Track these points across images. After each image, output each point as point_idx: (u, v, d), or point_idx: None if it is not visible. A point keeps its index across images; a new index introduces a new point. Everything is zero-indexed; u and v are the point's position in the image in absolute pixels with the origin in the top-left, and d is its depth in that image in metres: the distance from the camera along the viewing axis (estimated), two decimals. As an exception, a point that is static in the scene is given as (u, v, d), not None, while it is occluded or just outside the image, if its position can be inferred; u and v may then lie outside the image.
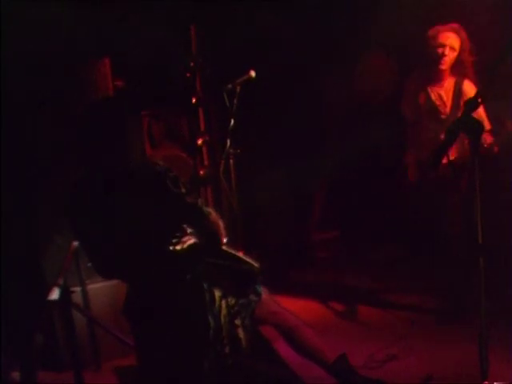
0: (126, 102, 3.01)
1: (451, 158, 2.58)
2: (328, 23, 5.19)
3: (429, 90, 4.01)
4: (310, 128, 5.56)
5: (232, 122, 3.94)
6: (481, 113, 3.70)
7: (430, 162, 3.58)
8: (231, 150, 4.02)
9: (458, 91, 3.90)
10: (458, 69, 3.93)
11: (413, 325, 4.08)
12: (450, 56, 3.86)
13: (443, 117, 3.97)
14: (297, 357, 3.20)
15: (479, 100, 2.33)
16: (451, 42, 3.85)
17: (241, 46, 4.87)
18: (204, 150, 4.73)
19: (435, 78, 4.00)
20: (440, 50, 3.85)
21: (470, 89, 3.86)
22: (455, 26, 3.90)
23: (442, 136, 3.66)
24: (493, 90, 3.19)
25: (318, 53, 5.29)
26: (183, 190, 2.61)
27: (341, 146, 5.21)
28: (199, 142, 4.63)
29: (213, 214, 2.74)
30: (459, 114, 3.49)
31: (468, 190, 3.62)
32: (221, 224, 2.78)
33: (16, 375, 3.67)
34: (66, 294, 3.34)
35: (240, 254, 2.94)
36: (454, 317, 4.06)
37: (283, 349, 3.34)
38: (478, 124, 2.34)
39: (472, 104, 2.34)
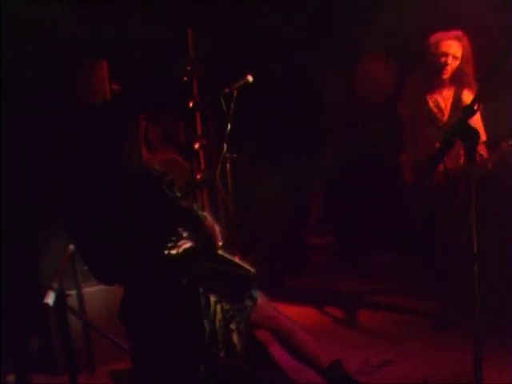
0: (123, 105, 3.01)
1: (446, 165, 2.57)
2: (328, 24, 5.21)
3: (427, 97, 3.98)
4: (308, 129, 5.58)
5: (229, 126, 3.94)
6: (478, 123, 3.68)
7: (425, 169, 3.61)
8: (228, 154, 4.03)
9: (457, 100, 3.87)
10: (459, 77, 3.89)
11: (409, 329, 4.08)
12: (452, 65, 3.81)
13: (441, 124, 3.94)
14: (292, 361, 3.19)
15: (476, 107, 2.33)
16: (454, 50, 3.79)
17: (239, 49, 4.88)
18: (201, 154, 4.74)
19: (435, 85, 3.96)
20: (443, 59, 3.81)
21: (469, 99, 3.75)
22: (458, 33, 3.85)
23: (438, 144, 3.53)
24: (491, 95, 3.20)
25: (318, 53, 5.30)
26: (178, 194, 2.61)
27: (340, 147, 5.23)
28: (196, 146, 4.64)
29: (208, 218, 2.74)
30: None
31: (464, 198, 3.61)
32: (216, 228, 2.78)
33: (11, 378, 3.66)
34: (61, 297, 3.33)
35: (236, 259, 2.94)
36: (451, 319, 4.05)
37: (278, 353, 3.34)
38: (475, 131, 2.34)
39: (469, 111, 2.34)
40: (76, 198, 2.72)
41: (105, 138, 2.63)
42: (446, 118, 3.94)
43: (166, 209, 2.62)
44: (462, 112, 2.41)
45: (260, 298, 2.97)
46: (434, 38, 3.86)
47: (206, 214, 2.75)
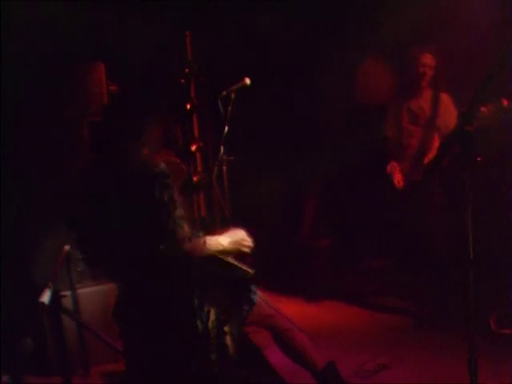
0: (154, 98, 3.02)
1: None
2: (328, 27, 5.26)
3: (410, 102, 4.56)
4: (305, 132, 5.60)
5: (226, 128, 3.95)
6: (454, 115, 4.32)
7: (426, 171, 4.23)
8: (225, 157, 4.03)
9: (435, 101, 4.47)
10: (435, 83, 4.51)
11: (404, 333, 4.11)
12: (429, 74, 4.46)
13: (423, 122, 4.51)
14: (287, 364, 3.20)
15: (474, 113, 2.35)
16: (430, 61, 4.44)
17: (237, 52, 4.90)
18: (198, 156, 4.72)
19: (416, 91, 4.55)
20: (421, 69, 4.45)
21: (446, 98, 4.47)
22: (433, 47, 4.47)
23: (424, 140, 4.45)
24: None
25: (317, 57, 5.34)
26: (165, 199, 2.53)
27: (338, 151, 5.29)
28: (193, 148, 4.62)
29: (188, 243, 2.58)
30: (437, 120, 4.33)
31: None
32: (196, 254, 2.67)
33: (4, 378, 3.66)
34: (56, 297, 3.33)
35: (234, 261, 2.92)
36: (441, 320, 4.23)
37: (273, 356, 3.34)
38: (472, 137, 2.36)
39: (467, 117, 2.36)
40: (81, 184, 2.74)
41: (128, 124, 2.69)
42: (427, 115, 4.49)
43: (151, 208, 2.56)
44: (459, 118, 2.44)
45: (259, 296, 2.96)
46: (413, 53, 4.50)
47: (191, 237, 2.60)
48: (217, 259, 2.80)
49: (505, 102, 3.00)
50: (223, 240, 2.82)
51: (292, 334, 3.06)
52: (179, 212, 2.58)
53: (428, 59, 4.44)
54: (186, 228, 2.58)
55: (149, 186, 2.53)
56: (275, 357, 3.29)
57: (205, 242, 2.68)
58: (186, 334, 2.67)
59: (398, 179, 4.51)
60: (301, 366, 3.11)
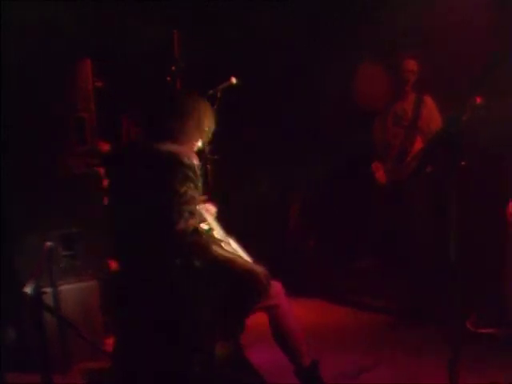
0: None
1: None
2: (328, 29, 5.30)
3: (396, 105, 4.74)
4: (297, 132, 5.63)
5: (211, 127, 3.94)
6: (436, 117, 4.49)
7: (413, 171, 4.31)
8: (209, 156, 4.03)
9: (418, 103, 4.64)
10: (417, 87, 4.68)
11: (387, 333, 4.14)
12: (412, 79, 4.64)
13: (406, 123, 4.66)
14: (269, 365, 3.20)
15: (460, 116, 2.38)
16: (413, 67, 4.62)
17: (237, 53, 4.94)
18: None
19: (401, 95, 4.73)
20: (406, 75, 4.64)
21: (429, 101, 4.63)
22: (415, 54, 4.65)
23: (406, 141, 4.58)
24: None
25: (312, 59, 5.38)
26: (180, 189, 2.57)
27: (325, 152, 5.33)
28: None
29: (188, 238, 2.61)
30: (419, 122, 4.47)
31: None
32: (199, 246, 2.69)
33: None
34: (37, 293, 3.30)
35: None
36: (423, 322, 4.30)
37: (255, 357, 3.35)
38: (457, 139, 2.39)
39: (453, 120, 2.39)
40: (112, 163, 2.95)
41: (180, 114, 2.85)
42: (409, 116, 4.64)
43: (165, 194, 2.61)
44: (445, 121, 2.47)
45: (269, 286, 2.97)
46: (398, 59, 4.68)
47: (193, 233, 2.63)
48: (225, 262, 2.78)
49: (477, 100, 2.99)
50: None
51: (290, 328, 3.09)
52: (190, 207, 2.61)
53: (411, 65, 4.60)
54: (190, 223, 2.61)
55: (172, 173, 2.60)
56: (257, 357, 3.30)
57: (209, 243, 2.72)
58: (176, 332, 2.67)
59: (379, 176, 4.69)
60: (288, 359, 3.11)
